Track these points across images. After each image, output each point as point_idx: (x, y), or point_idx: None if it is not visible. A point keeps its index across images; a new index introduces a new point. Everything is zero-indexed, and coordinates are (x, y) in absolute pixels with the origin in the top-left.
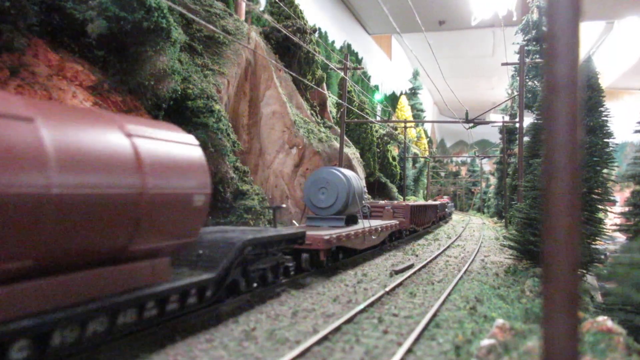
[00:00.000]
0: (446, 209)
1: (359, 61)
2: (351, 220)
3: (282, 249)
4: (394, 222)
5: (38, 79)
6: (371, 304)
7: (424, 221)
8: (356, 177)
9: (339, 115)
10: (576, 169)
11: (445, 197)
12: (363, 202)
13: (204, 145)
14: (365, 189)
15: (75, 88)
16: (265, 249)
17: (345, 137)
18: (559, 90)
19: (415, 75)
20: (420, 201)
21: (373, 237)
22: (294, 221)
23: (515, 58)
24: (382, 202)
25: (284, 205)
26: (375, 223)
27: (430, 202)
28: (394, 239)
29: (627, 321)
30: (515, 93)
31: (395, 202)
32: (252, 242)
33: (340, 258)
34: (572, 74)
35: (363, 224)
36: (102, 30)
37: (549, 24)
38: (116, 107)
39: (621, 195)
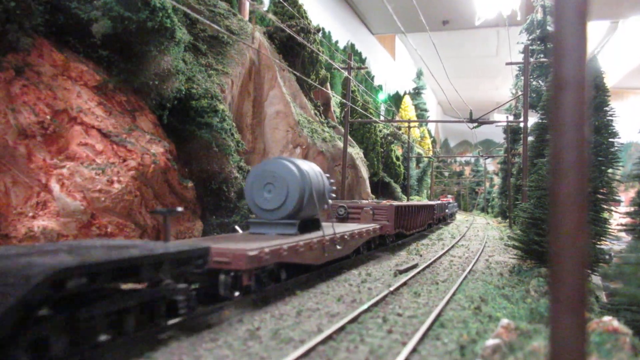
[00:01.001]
0: (447, 210)
1: (362, 61)
2: (309, 225)
3: (171, 274)
4: (372, 226)
5: (43, 79)
6: (375, 304)
7: (415, 224)
8: (317, 171)
9: (342, 115)
10: (584, 167)
11: (449, 196)
12: (331, 201)
13: (208, 145)
14: (334, 187)
15: (80, 88)
16: (124, 278)
17: (349, 137)
18: (567, 88)
19: (419, 75)
20: (415, 201)
21: (338, 248)
22: (236, 227)
23: (519, 58)
24: (364, 201)
25: (179, 209)
26: (346, 228)
27: (424, 202)
28: (373, 247)
29: (633, 321)
30: (520, 93)
31: (383, 201)
32: (81, 271)
33: (284, 279)
34: (579, 71)
35: (324, 231)
36: (107, 30)
37: (556, 22)
38: (120, 106)
39: (626, 195)
